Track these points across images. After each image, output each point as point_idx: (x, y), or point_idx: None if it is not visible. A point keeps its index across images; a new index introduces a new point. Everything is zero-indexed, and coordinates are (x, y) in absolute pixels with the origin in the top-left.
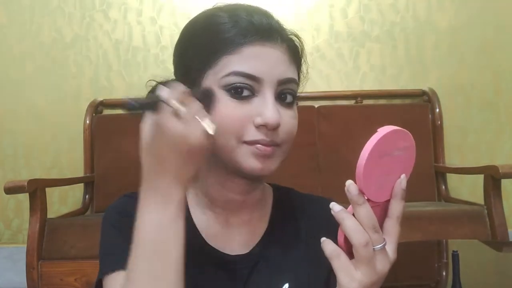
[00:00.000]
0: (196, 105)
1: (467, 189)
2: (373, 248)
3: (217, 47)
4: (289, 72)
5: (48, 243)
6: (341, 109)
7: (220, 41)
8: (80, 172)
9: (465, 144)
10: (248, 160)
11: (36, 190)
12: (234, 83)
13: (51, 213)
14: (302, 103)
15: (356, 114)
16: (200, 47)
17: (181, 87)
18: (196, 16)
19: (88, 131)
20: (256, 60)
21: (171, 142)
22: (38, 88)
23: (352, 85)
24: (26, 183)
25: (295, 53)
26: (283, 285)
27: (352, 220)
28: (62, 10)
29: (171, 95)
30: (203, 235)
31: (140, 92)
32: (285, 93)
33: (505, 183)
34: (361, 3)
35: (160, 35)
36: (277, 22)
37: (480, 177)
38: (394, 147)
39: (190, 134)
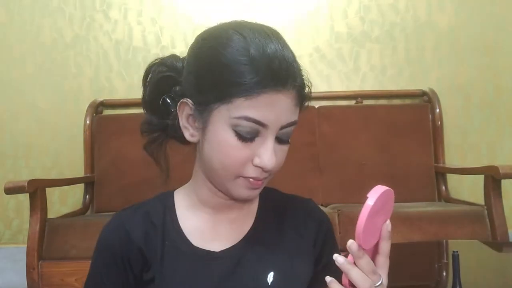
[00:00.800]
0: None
1: (467, 190)
2: (375, 286)
3: (234, 89)
4: (293, 116)
5: (48, 243)
6: (342, 109)
7: (238, 84)
8: (80, 172)
9: (465, 144)
10: (240, 190)
11: (36, 190)
12: (244, 128)
13: (51, 213)
14: None
15: (356, 114)
16: (218, 82)
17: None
18: (218, 40)
19: (89, 131)
20: (268, 108)
21: None
22: (39, 88)
23: (352, 85)
24: (26, 183)
25: (301, 97)
26: (268, 273)
27: (355, 270)
28: (62, 11)
29: None
30: (190, 237)
31: (140, 92)
32: (285, 135)
33: (505, 184)
34: (361, 4)
35: (161, 36)
36: (294, 65)
37: (480, 178)
38: (381, 206)
39: None
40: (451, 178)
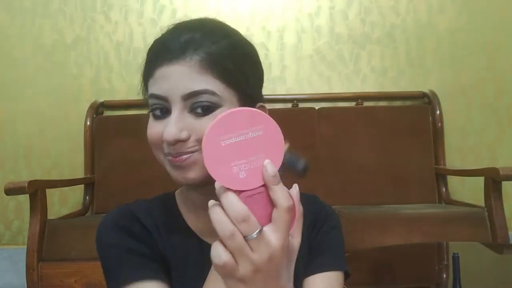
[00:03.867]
0: None
1: (468, 191)
2: (246, 237)
3: (145, 72)
4: (197, 84)
5: (48, 244)
6: (342, 110)
7: (145, 66)
8: (80, 173)
9: (466, 146)
10: (171, 171)
11: (37, 191)
12: (152, 105)
13: (51, 214)
14: (303, 105)
15: (356, 116)
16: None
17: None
18: None
19: (89, 132)
20: (162, 80)
21: None
22: (39, 89)
23: (352, 87)
24: (26, 184)
25: (213, 62)
26: None
27: (216, 213)
28: (63, 12)
29: None
30: (197, 233)
31: (140, 93)
32: (196, 106)
33: (506, 185)
34: (361, 5)
35: None
36: (194, 39)
37: (481, 179)
38: (241, 129)
39: None
40: (452, 180)
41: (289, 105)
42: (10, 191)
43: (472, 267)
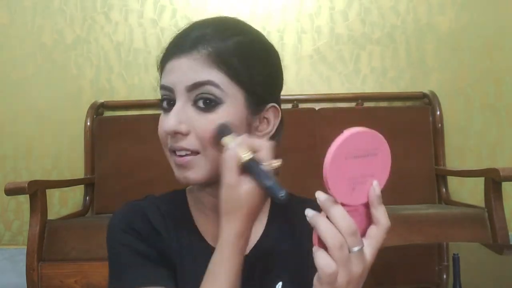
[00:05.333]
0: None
1: (468, 192)
2: (350, 250)
3: (159, 69)
4: (201, 75)
5: (48, 244)
6: (342, 111)
7: (159, 63)
8: (80, 174)
9: (466, 146)
10: (175, 170)
11: (37, 191)
12: (162, 98)
13: (52, 215)
14: (303, 106)
15: (357, 116)
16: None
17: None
18: None
19: (89, 133)
20: (170, 72)
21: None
22: (39, 89)
23: (353, 87)
24: (26, 185)
25: (219, 56)
26: (276, 283)
27: (326, 222)
28: (63, 12)
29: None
30: (206, 237)
31: (141, 93)
32: (199, 98)
33: (506, 186)
34: (362, 6)
35: (161, 37)
36: (210, 33)
37: (481, 180)
38: (362, 149)
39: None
40: (452, 180)
41: (289, 106)
42: (10, 191)
43: (472, 268)
